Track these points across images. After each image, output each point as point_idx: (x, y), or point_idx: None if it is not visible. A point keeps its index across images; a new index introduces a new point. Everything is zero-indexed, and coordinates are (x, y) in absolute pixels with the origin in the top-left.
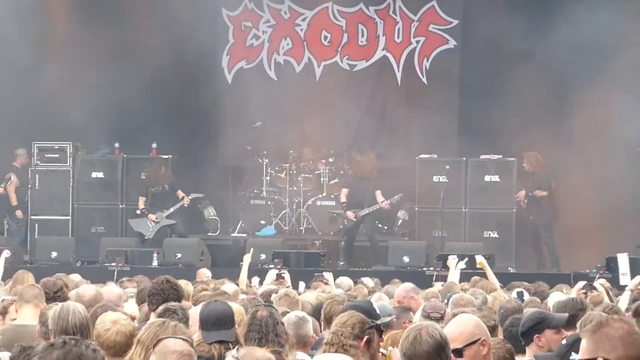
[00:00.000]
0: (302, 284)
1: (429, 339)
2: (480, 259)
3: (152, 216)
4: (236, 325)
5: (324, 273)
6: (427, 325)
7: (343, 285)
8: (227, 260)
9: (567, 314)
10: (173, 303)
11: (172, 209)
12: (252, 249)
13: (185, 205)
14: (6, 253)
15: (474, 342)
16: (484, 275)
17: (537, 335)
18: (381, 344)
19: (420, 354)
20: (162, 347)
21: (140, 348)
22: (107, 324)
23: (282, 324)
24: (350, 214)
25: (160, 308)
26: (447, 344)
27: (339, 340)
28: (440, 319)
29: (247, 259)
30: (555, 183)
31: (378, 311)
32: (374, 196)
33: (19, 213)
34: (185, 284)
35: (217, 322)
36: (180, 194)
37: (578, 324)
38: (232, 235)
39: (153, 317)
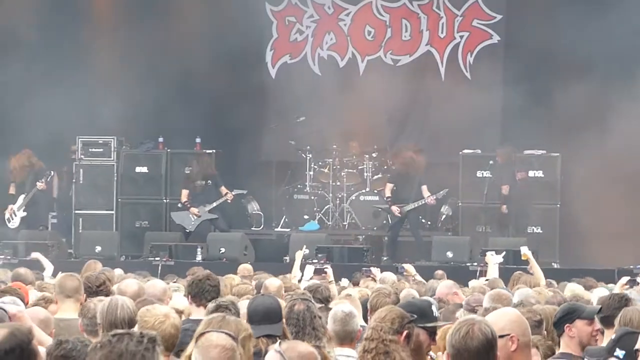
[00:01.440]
0: (344, 281)
1: (481, 335)
2: (524, 251)
3: (194, 209)
4: (283, 320)
5: (372, 268)
6: (480, 321)
7: (387, 281)
8: (270, 255)
9: (599, 306)
10: (224, 299)
11: (214, 204)
12: (304, 246)
13: (229, 202)
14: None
15: (501, 337)
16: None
17: (568, 325)
18: (433, 346)
19: (470, 349)
20: (205, 340)
21: None
22: (160, 316)
23: (320, 317)
24: (395, 208)
25: (212, 305)
26: (497, 341)
27: (379, 336)
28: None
29: (299, 255)
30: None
31: (436, 313)
32: (419, 191)
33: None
34: (231, 279)
35: (264, 316)
36: (224, 190)
37: (616, 320)
38: (276, 230)
39: (197, 311)
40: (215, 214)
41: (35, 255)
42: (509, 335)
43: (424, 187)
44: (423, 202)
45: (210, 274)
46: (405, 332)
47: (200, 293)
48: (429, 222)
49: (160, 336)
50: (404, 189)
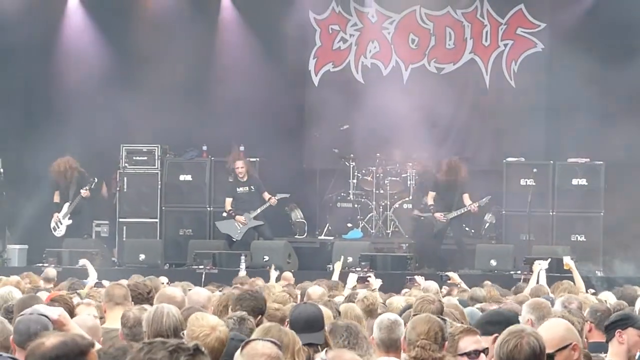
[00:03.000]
0: (352, 277)
1: (528, 348)
2: (567, 260)
3: (240, 218)
4: (325, 328)
5: (416, 277)
6: (529, 334)
7: (430, 289)
8: (314, 263)
9: None
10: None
11: (259, 210)
12: (342, 257)
13: (273, 205)
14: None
15: (565, 347)
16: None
17: (619, 330)
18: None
19: None
20: (250, 349)
21: None
22: (207, 328)
23: (365, 326)
24: (439, 215)
25: (238, 292)
26: (544, 354)
27: (428, 355)
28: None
29: (338, 266)
30: None
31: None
32: (461, 199)
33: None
34: (272, 287)
35: (307, 324)
36: (267, 195)
37: None
38: (319, 238)
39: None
40: (260, 221)
41: (83, 262)
42: (571, 344)
43: (466, 195)
44: (465, 210)
45: (249, 291)
46: (446, 344)
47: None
48: (473, 231)
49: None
50: (447, 197)
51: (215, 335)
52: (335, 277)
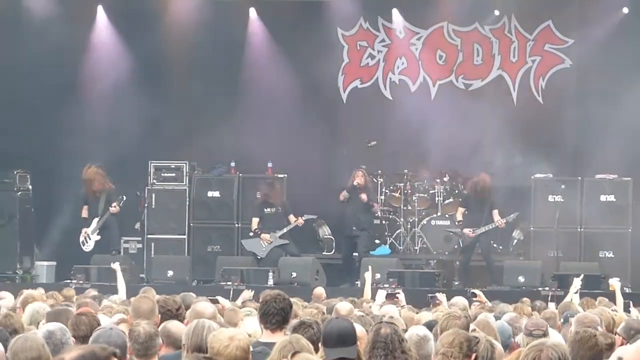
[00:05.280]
0: (381, 293)
1: None
2: (613, 282)
3: (265, 236)
4: (358, 343)
5: (437, 294)
6: (549, 347)
7: (458, 305)
8: (341, 279)
9: None
10: (308, 317)
11: (285, 230)
12: (370, 267)
13: (299, 226)
14: (117, 266)
15: None
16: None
17: None
18: None
19: None
20: (303, 358)
21: None
22: (225, 340)
23: (406, 340)
24: (467, 231)
25: (295, 322)
26: None
27: None
28: (543, 335)
29: (368, 277)
30: None
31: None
32: (490, 215)
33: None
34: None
35: (339, 339)
36: (292, 218)
37: None
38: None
39: (265, 333)
40: (286, 239)
41: (115, 266)
42: None
43: (495, 212)
44: (493, 226)
45: (279, 295)
46: (473, 356)
47: (265, 316)
48: (501, 247)
49: None
50: (475, 213)
51: (235, 344)
52: (367, 288)
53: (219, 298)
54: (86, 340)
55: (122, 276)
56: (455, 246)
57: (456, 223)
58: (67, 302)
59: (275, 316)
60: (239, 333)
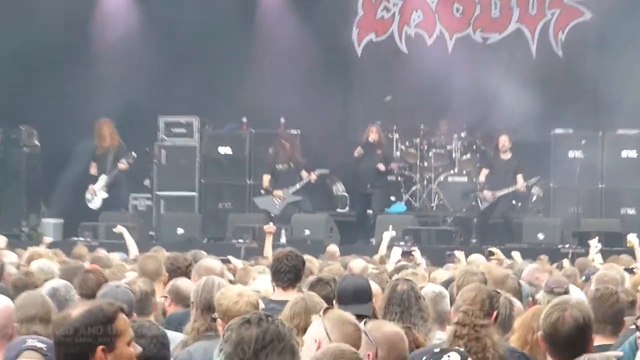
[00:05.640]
0: (397, 250)
1: (572, 321)
2: (631, 238)
3: (278, 192)
4: (373, 300)
5: (456, 251)
6: (573, 306)
7: (476, 263)
8: (356, 237)
9: None
10: (325, 274)
11: (298, 186)
12: (391, 226)
13: (312, 182)
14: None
15: None
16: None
17: None
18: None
19: (561, 334)
20: (338, 316)
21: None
22: (233, 297)
23: (423, 298)
24: (488, 193)
25: (313, 278)
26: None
27: (470, 321)
28: (564, 293)
29: (387, 236)
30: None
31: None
32: (514, 178)
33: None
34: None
35: (354, 296)
36: (305, 173)
37: None
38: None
39: (277, 291)
40: (299, 196)
41: (120, 229)
42: None
43: (520, 176)
44: (514, 190)
45: (291, 252)
46: (495, 313)
47: (277, 273)
48: (520, 204)
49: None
50: (499, 175)
51: (244, 300)
52: (383, 248)
53: (230, 257)
54: (93, 297)
55: (129, 236)
56: (473, 203)
57: (478, 184)
58: (77, 259)
59: (287, 274)
60: (248, 289)
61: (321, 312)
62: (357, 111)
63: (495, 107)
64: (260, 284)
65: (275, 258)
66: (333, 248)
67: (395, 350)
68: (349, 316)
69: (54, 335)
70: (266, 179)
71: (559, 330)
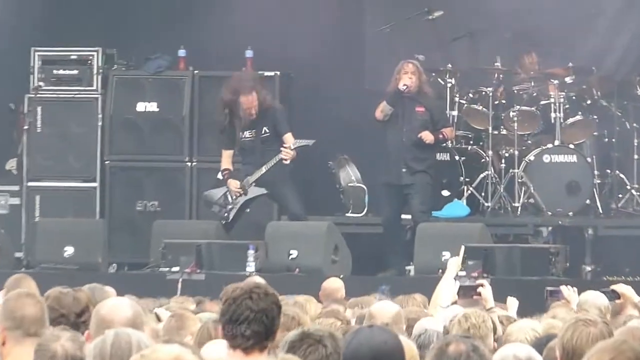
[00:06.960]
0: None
1: None
2: None
3: (233, 183)
4: None
5: (562, 287)
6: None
7: (592, 304)
8: (380, 261)
9: None
10: (316, 327)
11: (264, 169)
12: (463, 247)
13: (285, 161)
14: None
15: None
16: None
17: None
18: None
19: None
20: None
21: None
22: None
23: None
24: None
25: (294, 333)
26: None
27: None
28: None
29: (453, 264)
30: None
31: None
32: None
33: None
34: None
35: None
36: (289, 140)
37: None
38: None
39: (233, 355)
40: (264, 189)
41: None
42: None
43: None
44: None
45: (257, 288)
46: None
47: (231, 324)
48: None
49: None
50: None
51: None
52: (443, 284)
53: (158, 311)
54: None
55: None
56: (587, 201)
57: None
58: None
59: (249, 326)
60: (186, 352)
61: None
62: (378, 39)
63: (622, 31)
64: (212, 353)
65: (228, 299)
66: (333, 283)
67: None
68: None
69: None
70: (226, 156)
71: None
